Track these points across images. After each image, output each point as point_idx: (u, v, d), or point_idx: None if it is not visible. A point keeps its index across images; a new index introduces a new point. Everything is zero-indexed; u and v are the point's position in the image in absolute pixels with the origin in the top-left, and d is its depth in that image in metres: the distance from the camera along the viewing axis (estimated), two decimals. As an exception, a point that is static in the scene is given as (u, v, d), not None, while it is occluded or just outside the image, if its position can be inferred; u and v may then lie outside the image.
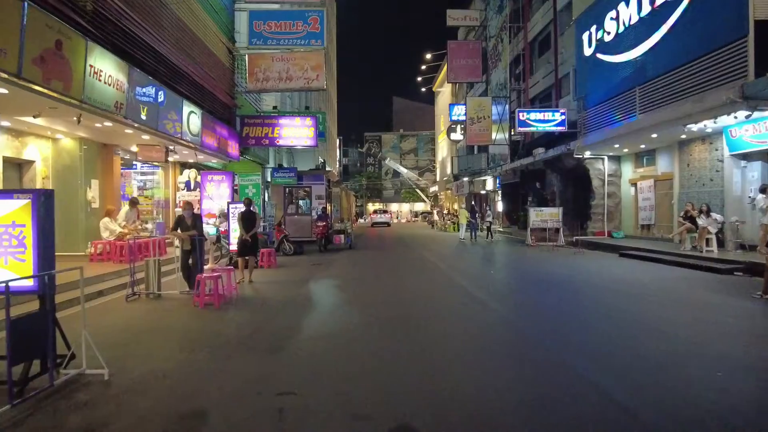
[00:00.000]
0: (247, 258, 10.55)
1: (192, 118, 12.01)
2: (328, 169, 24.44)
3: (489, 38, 32.81)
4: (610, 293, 8.49)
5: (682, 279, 10.00)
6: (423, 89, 60.68)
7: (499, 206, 32.73)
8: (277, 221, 16.40)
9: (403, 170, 70.54)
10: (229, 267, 8.75)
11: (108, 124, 9.36)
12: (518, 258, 15.12)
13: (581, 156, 18.94)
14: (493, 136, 29.12)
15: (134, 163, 15.55)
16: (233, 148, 15.85)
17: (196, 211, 11.21)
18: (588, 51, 18.29)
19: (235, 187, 19.79)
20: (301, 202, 23.17)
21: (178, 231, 8.23)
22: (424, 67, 52.72)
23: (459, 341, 5.42)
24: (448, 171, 51.96)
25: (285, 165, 23.81)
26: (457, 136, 38.96)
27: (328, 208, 23.78)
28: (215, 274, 7.71)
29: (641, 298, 7.99)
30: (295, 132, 16.37)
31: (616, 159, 19.41)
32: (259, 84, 16.18)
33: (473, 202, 28.92)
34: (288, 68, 15.98)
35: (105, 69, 8.04)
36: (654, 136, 14.53)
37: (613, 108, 16.55)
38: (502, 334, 5.84)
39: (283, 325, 6.26)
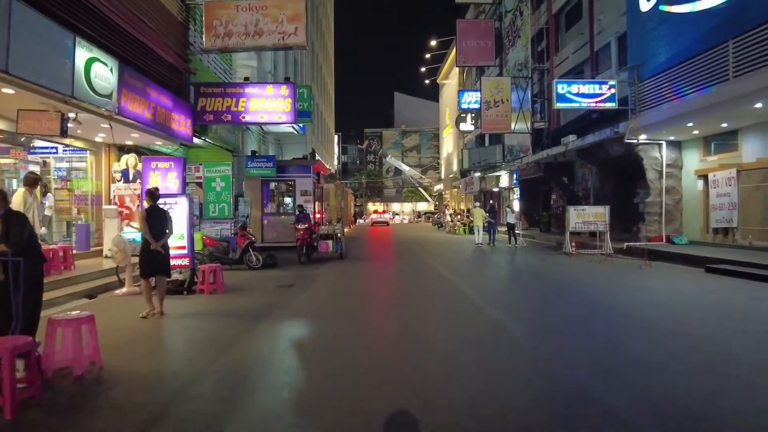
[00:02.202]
0: (156, 280, 6.67)
1: (97, 69, 8.00)
2: (318, 158, 20.42)
3: (505, 13, 28.78)
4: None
5: None
6: (427, 81, 56.80)
7: (516, 205, 28.71)
8: (241, 224, 12.37)
9: (405, 168, 66.58)
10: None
11: None
12: (569, 276, 11.08)
13: (635, 141, 14.90)
14: (512, 126, 25.07)
15: (54, 145, 11.64)
16: (182, 124, 11.86)
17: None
18: (646, 5, 14.24)
19: (198, 180, 16.02)
20: (287, 200, 19.24)
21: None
22: (428, 56, 48.77)
23: None
24: (455, 168, 47.96)
25: (272, 155, 19.71)
26: (467, 126, 34.90)
27: (316, 206, 19.79)
28: (19, 341, 3.66)
29: None
30: (266, 104, 12.37)
31: (676, 145, 15.38)
32: (219, 41, 12.19)
33: (492, 200, 24.99)
34: (257, 20, 11.99)
35: None
36: (758, 105, 10.51)
37: (688, 73, 12.52)
38: None
39: None
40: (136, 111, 9.41)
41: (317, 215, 21.53)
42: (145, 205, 6.96)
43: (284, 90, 12.44)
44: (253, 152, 17.63)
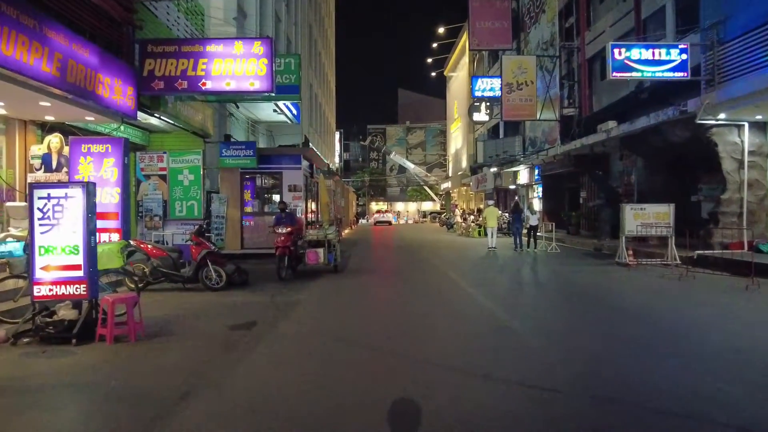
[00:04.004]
0: None
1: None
2: (311, 147, 17.23)
3: (526, -13, 25.56)
4: None
5: None
6: (433, 73, 53.75)
7: (536, 204, 25.48)
8: (196, 228, 9.15)
9: (409, 165, 63.49)
10: None
11: None
12: (654, 305, 7.83)
13: (711, 120, 11.68)
14: (537, 114, 21.86)
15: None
16: (119, 92, 8.70)
17: None
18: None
19: (161, 172, 13.19)
20: (274, 197, 16.08)
21: None
22: (435, 45, 45.64)
23: None
24: (464, 164, 44.78)
25: (252, 141, 16.22)
26: (482, 116, 31.62)
27: (310, 205, 16.65)
28: None
29: None
30: (235, 66, 9.18)
31: (761, 127, 12.15)
32: (170, -19, 9.04)
33: (516, 197, 21.77)
34: (221, -48, 8.82)
35: None
36: None
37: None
38: None
39: None
40: (21, 59, 6.25)
41: (312, 215, 18.39)
42: None
43: (258, 47, 9.24)
44: (228, 137, 14.45)
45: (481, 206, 37.16)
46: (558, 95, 21.43)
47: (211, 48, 9.38)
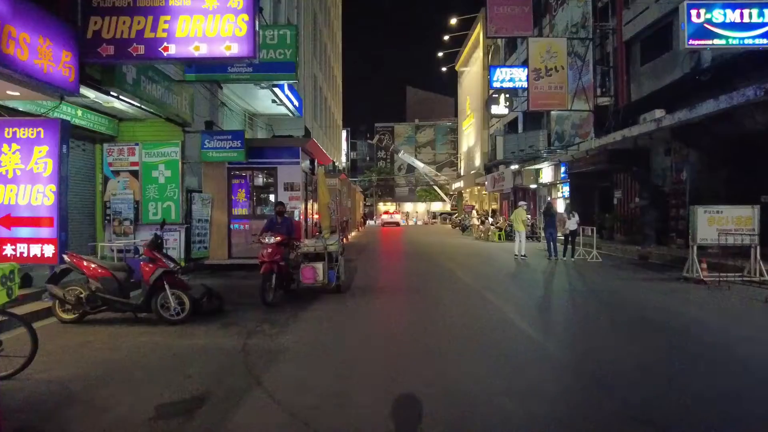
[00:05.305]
0: None
1: None
2: (311, 139, 14.95)
3: (552, -35, 23.19)
4: None
5: None
6: (444, 69, 51.36)
7: (560, 206, 23.07)
8: (151, 239, 6.80)
9: (419, 164, 61.28)
10: None
11: None
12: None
13: (810, 100, 9.32)
14: (568, 104, 19.47)
15: None
16: (46, 55, 6.49)
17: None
18: None
19: (133, 167, 11.26)
20: (268, 197, 13.87)
21: None
22: (446, 37, 43.32)
23: None
24: (477, 162, 42.42)
25: (240, 130, 13.71)
26: (501, 109, 29.20)
27: (312, 208, 14.38)
28: None
29: None
30: (205, 25, 6.95)
31: None
32: None
33: (549, 199, 19.42)
34: None
35: None
36: None
37: None
38: None
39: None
40: None
41: (317, 217, 16.13)
42: None
43: (236, 0, 6.99)
44: (210, 124, 12.18)
45: (495, 206, 34.91)
46: (591, 83, 19.05)
47: (175, 2, 7.13)
